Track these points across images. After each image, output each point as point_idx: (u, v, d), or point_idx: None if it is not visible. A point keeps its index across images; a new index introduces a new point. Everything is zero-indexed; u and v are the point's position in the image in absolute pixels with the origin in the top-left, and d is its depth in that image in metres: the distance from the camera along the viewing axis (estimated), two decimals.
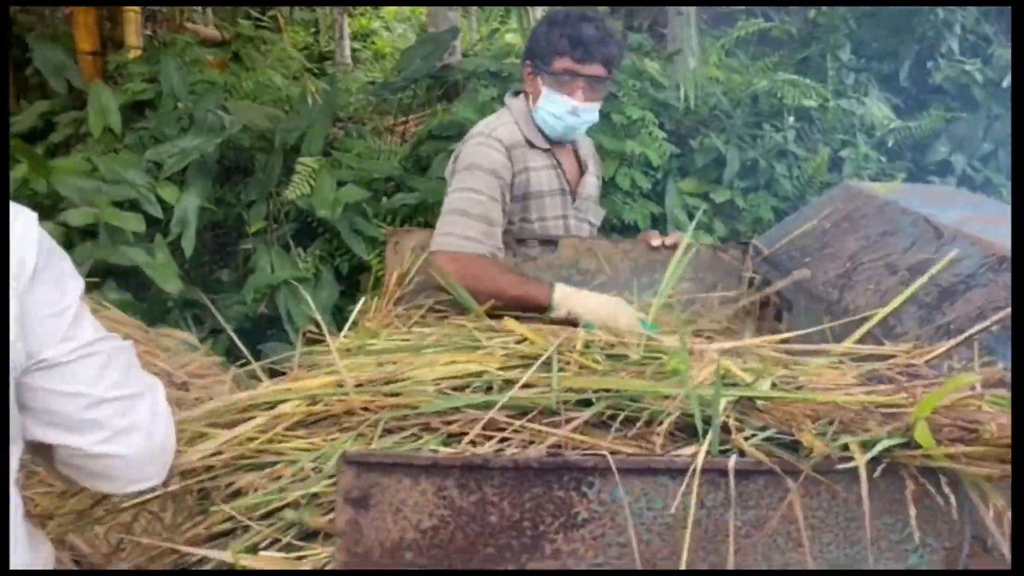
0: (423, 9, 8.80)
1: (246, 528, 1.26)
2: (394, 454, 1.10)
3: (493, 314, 1.82)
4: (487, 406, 1.27)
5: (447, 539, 1.08)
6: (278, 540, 1.22)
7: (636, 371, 1.37)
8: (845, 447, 1.09)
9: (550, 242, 2.17)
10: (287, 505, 1.25)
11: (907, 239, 1.66)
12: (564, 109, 2.14)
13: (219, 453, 1.36)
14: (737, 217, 4.12)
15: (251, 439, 1.36)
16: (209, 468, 1.34)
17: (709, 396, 1.17)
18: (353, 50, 8.49)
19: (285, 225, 3.93)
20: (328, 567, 1.13)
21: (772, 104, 4.32)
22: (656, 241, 2.17)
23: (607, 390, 1.27)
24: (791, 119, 4.32)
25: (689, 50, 3.47)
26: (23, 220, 0.99)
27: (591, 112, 2.17)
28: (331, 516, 1.20)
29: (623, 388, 1.27)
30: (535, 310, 1.92)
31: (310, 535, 1.24)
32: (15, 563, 1.04)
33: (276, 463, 1.31)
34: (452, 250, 2.00)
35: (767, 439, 1.15)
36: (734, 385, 1.24)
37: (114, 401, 1.06)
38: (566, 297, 1.93)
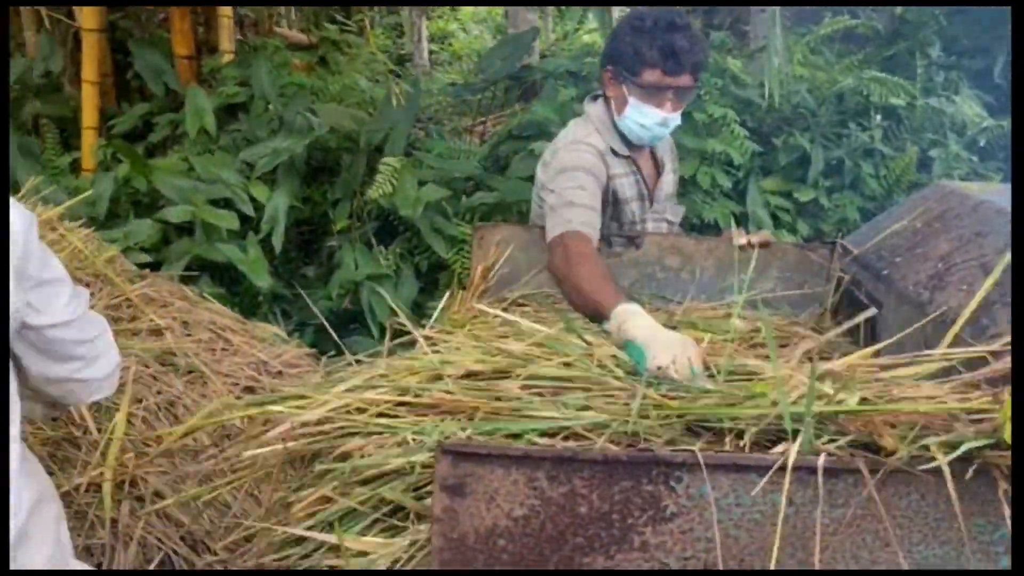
0: (499, 10, 8.87)
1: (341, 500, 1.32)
2: (488, 445, 1.14)
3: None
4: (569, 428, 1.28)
5: (538, 528, 1.11)
6: (377, 508, 1.27)
7: (724, 386, 1.36)
8: (928, 448, 1.09)
9: (634, 239, 2.19)
10: (388, 473, 1.30)
11: (1002, 240, 1.63)
12: (653, 120, 2.12)
13: (325, 421, 1.42)
14: (822, 217, 4.05)
15: (361, 410, 1.41)
16: (321, 433, 1.41)
17: (799, 411, 1.17)
18: (430, 52, 8.61)
19: (368, 223, 4.03)
20: (424, 550, 1.18)
21: (858, 102, 4.22)
22: (742, 240, 2.16)
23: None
24: (878, 118, 4.20)
25: (773, 48, 3.42)
26: (21, 220, 1.24)
27: (677, 119, 2.16)
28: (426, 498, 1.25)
29: (710, 413, 1.26)
30: (593, 315, 1.74)
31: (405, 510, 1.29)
32: (13, 490, 1.24)
33: (381, 432, 1.36)
34: (561, 231, 1.96)
35: (849, 443, 1.15)
36: (820, 399, 1.23)
37: (93, 339, 1.42)
38: (627, 314, 1.63)
